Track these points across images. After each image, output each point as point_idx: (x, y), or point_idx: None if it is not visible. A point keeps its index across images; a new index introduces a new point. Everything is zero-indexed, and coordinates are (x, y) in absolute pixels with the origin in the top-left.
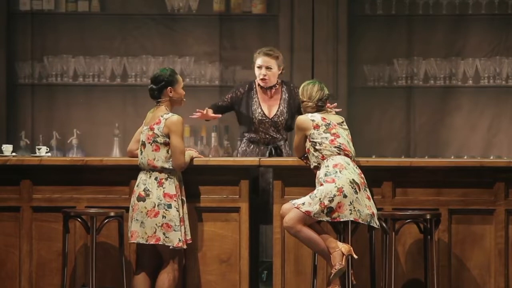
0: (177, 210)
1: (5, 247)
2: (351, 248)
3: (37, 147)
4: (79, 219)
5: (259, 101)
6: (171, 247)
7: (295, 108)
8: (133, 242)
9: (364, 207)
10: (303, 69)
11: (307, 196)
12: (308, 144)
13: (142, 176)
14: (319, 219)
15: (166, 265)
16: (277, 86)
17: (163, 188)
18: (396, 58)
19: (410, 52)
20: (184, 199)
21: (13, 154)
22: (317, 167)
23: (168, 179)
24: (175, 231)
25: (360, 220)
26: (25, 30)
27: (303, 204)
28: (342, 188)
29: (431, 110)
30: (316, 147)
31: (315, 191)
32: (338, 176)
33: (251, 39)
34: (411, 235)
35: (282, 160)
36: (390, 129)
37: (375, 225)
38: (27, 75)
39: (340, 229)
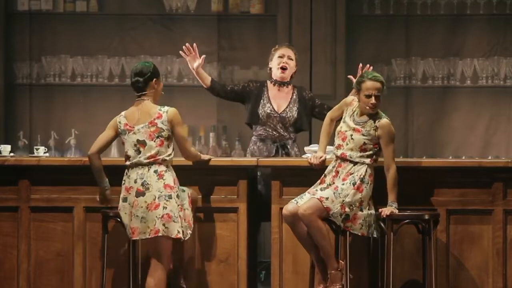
0: (176, 202)
1: (3, 247)
2: (343, 263)
3: (35, 147)
4: (119, 219)
5: (269, 96)
6: (173, 236)
7: (307, 110)
8: (136, 239)
9: (373, 222)
10: (301, 69)
11: (330, 190)
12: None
13: (138, 171)
14: (333, 220)
15: (155, 262)
16: (289, 86)
17: (164, 180)
18: (394, 58)
19: (408, 52)
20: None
21: (11, 154)
22: (370, 159)
23: (168, 171)
24: (175, 222)
25: (365, 234)
26: (23, 30)
27: (327, 199)
28: (363, 202)
29: (429, 110)
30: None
31: (339, 188)
32: (366, 189)
33: (249, 39)
34: (410, 235)
35: (280, 160)
36: None
37: (374, 235)
38: (25, 75)
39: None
